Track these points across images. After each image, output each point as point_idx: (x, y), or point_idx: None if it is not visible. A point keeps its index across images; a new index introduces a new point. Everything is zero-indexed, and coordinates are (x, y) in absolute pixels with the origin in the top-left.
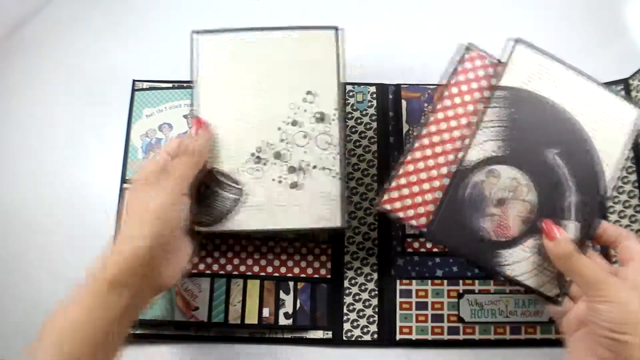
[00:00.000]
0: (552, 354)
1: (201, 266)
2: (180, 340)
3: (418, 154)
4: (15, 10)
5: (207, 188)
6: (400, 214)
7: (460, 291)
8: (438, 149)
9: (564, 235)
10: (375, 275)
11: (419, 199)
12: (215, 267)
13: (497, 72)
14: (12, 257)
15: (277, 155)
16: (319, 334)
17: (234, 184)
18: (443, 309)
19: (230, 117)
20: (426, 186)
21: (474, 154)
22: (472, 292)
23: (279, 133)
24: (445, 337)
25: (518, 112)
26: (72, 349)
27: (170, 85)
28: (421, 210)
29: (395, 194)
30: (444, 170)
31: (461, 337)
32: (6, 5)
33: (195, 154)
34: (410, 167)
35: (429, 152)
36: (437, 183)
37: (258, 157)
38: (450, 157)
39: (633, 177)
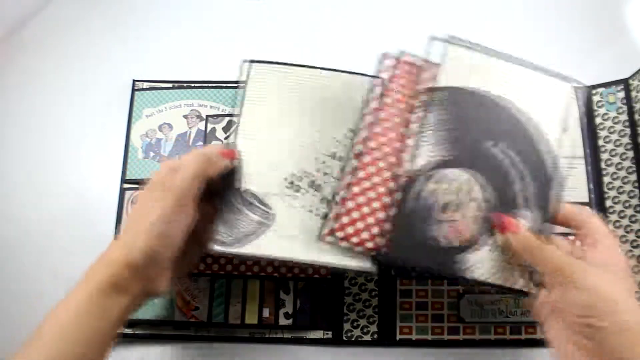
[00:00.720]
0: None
1: (201, 266)
2: (180, 340)
3: (362, 174)
4: (15, 10)
5: (233, 206)
6: (354, 239)
7: (460, 291)
8: (382, 164)
9: (520, 226)
10: (375, 276)
11: (371, 220)
12: (215, 267)
13: (432, 74)
14: (12, 257)
15: (312, 184)
16: (319, 334)
17: (262, 206)
18: (443, 309)
19: (269, 141)
20: (376, 204)
21: (419, 162)
22: (472, 292)
23: (316, 163)
24: (445, 337)
25: (456, 111)
26: (59, 352)
27: (170, 85)
28: (375, 230)
29: (345, 219)
30: (392, 185)
31: (461, 337)
32: (6, 5)
33: (199, 159)
34: (356, 189)
35: (372, 169)
36: (386, 199)
37: (291, 183)
38: (396, 170)
39: (633, 177)
